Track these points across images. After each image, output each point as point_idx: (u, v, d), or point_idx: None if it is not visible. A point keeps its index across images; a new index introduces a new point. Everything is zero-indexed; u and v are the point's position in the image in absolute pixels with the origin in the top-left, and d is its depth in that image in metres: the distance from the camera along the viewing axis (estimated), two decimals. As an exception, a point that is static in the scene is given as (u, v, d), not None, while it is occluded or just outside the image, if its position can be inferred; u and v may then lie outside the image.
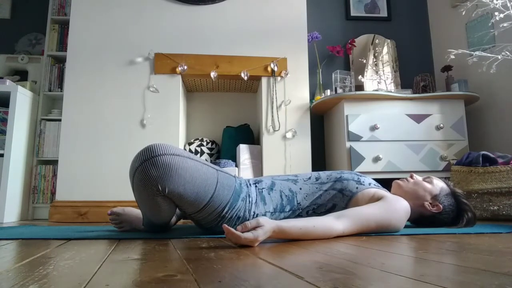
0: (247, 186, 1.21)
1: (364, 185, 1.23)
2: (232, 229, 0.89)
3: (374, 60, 2.99)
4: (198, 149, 2.47)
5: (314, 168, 2.63)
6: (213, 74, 2.34)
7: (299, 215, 1.21)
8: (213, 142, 2.55)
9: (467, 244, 0.91)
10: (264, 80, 2.44)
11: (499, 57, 2.04)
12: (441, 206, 1.26)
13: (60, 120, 2.43)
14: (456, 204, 1.30)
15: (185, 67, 2.34)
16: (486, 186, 1.86)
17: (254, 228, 0.91)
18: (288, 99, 2.42)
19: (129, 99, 2.32)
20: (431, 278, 0.53)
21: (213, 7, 2.48)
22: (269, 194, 1.21)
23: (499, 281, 0.51)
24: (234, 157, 2.44)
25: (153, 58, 2.36)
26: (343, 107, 2.36)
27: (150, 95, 2.34)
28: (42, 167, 2.49)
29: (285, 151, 2.37)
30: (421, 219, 1.31)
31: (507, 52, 2.05)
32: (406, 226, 1.33)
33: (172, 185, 1.03)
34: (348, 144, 2.30)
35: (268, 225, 0.93)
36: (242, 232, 0.90)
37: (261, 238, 0.90)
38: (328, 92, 2.57)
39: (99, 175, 2.22)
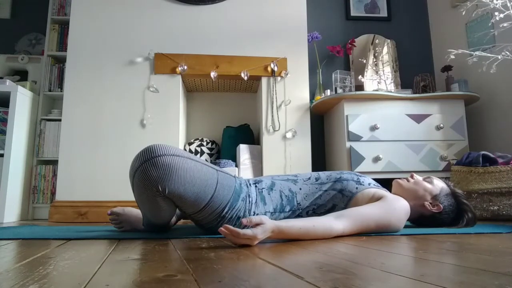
0: (247, 186, 1.21)
1: (363, 185, 1.23)
2: (230, 226, 0.89)
3: (374, 60, 2.99)
4: (198, 149, 2.47)
5: (314, 168, 2.63)
6: (213, 74, 2.34)
7: (299, 215, 1.21)
8: (213, 142, 2.54)
9: (467, 244, 0.91)
10: (264, 80, 2.44)
11: (499, 57, 2.04)
12: (441, 206, 1.26)
13: (60, 120, 2.43)
14: (456, 204, 1.30)
15: (185, 67, 2.34)
16: (486, 186, 1.86)
17: (256, 225, 0.91)
18: (288, 99, 2.42)
19: (129, 99, 2.32)
20: (431, 278, 0.53)
21: (213, 7, 2.48)
22: (269, 194, 1.21)
23: (499, 281, 0.51)
24: (234, 157, 2.44)
25: (153, 58, 2.36)
26: (343, 107, 2.36)
27: (150, 95, 2.34)
28: (42, 167, 2.49)
29: (285, 151, 2.37)
30: (421, 219, 1.32)
31: (507, 52, 2.05)
32: (406, 226, 1.33)
33: (172, 185, 1.03)
34: (348, 144, 2.30)
35: (268, 224, 0.93)
36: (247, 225, 0.90)
37: (259, 236, 0.90)
38: (328, 92, 2.57)
39: (99, 175, 2.22)
